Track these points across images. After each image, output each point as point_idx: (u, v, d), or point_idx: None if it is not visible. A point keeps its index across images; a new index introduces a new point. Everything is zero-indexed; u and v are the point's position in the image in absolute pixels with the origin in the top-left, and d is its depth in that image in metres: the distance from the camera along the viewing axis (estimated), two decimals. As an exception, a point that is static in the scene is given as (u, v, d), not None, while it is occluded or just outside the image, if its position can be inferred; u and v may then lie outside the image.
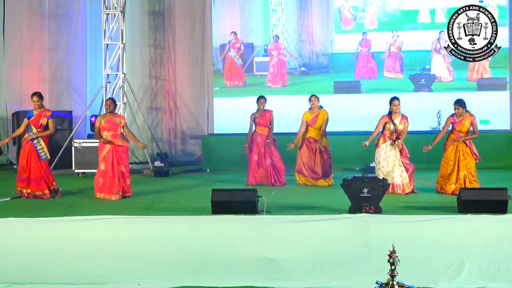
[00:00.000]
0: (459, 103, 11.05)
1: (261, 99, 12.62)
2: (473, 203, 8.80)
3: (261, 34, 16.98)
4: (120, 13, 15.34)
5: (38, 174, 11.05)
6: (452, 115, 11.12)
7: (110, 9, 15.41)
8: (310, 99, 12.48)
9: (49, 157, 11.20)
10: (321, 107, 12.46)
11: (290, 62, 16.82)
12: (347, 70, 16.58)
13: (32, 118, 11.08)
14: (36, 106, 11.07)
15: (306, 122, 12.35)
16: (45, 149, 11.12)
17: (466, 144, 10.96)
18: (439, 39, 15.87)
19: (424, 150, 11.15)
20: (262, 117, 12.50)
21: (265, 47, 16.78)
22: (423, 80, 16.10)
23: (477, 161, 11.00)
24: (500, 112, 15.47)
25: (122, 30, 15.40)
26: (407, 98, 15.38)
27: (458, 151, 10.95)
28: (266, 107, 12.61)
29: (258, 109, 12.58)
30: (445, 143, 11.16)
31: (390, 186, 10.95)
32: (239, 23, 17.02)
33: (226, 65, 16.88)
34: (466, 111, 11.02)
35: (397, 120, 11.19)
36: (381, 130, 11.32)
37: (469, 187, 10.60)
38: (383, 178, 9.14)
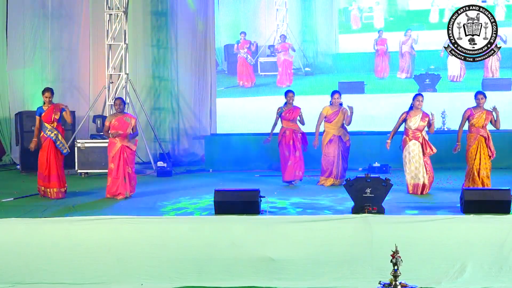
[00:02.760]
0: (483, 93, 10.98)
1: (289, 93, 12.48)
2: (476, 203, 8.78)
3: (265, 34, 16.99)
4: (122, 14, 15.35)
5: (56, 171, 11.07)
6: (469, 108, 11.00)
7: (112, 9, 15.42)
8: (333, 95, 12.35)
9: (69, 151, 11.27)
10: (341, 105, 12.40)
11: (294, 63, 16.82)
12: (351, 70, 16.57)
13: (43, 114, 11.07)
14: (47, 101, 11.05)
15: (325, 116, 12.29)
16: (65, 143, 11.18)
17: (485, 139, 10.88)
18: None
19: (454, 151, 11.08)
20: (289, 111, 12.38)
21: (273, 46, 16.78)
22: (427, 80, 16.09)
23: (491, 158, 10.93)
24: (505, 112, 15.41)
25: (125, 31, 15.41)
26: (411, 99, 15.40)
27: (479, 151, 10.88)
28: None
29: (286, 103, 12.46)
30: (466, 144, 11.02)
31: (414, 186, 10.95)
32: (243, 23, 17.02)
33: (238, 66, 16.89)
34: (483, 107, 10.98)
35: (417, 117, 11.09)
36: (403, 128, 11.22)
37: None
38: (386, 178, 9.10)
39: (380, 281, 5.65)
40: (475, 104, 11.00)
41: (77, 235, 8.37)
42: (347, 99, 12.50)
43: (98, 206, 10.25)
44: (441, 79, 16.04)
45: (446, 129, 15.11)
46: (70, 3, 17.08)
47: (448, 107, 15.06)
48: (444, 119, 15.20)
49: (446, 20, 16.05)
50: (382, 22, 16.48)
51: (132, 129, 11.21)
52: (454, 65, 15.99)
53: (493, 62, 15.71)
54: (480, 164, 10.85)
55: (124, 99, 14.87)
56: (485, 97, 10.96)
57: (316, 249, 8.07)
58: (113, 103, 11.63)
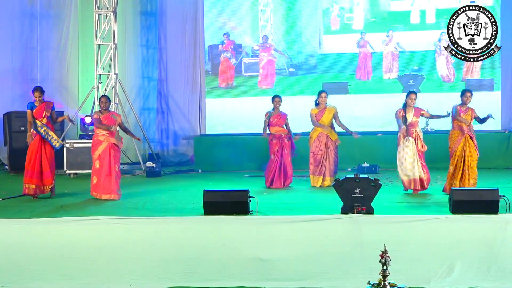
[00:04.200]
0: (471, 91, 11.03)
1: (276, 98, 12.43)
2: (464, 203, 8.80)
3: (249, 35, 17.00)
4: (112, 14, 15.33)
5: (49, 167, 11.05)
6: (457, 105, 11.00)
7: (102, 9, 15.39)
8: (320, 95, 12.28)
9: (62, 143, 11.17)
10: (326, 104, 12.38)
11: (278, 63, 16.84)
12: (335, 70, 16.64)
13: (35, 110, 11.04)
14: (38, 100, 11.05)
15: (314, 115, 12.23)
16: (55, 137, 11.12)
17: (471, 137, 10.92)
18: (440, 40, 15.95)
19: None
20: (277, 117, 12.35)
21: (254, 47, 16.82)
22: (411, 81, 16.17)
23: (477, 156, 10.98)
24: (488, 113, 15.48)
25: (114, 31, 15.39)
26: (395, 99, 15.48)
27: (465, 148, 10.91)
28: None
29: (274, 108, 12.43)
30: (450, 143, 11.05)
31: (410, 182, 10.96)
32: (228, 24, 17.03)
33: (221, 66, 16.89)
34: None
35: (411, 113, 11.10)
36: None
37: (469, 184, 10.65)
38: (375, 178, 9.10)
39: (369, 281, 5.66)
40: (460, 102, 11.04)
41: (67, 236, 8.34)
42: (331, 100, 12.50)
43: (87, 207, 10.22)
44: (424, 79, 16.11)
45: (429, 130, 15.14)
46: (59, 3, 17.05)
47: (431, 107, 15.06)
48: (427, 120, 15.23)
49: (428, 21, 16.20)
50: (362, 23, 16.54)
51: (120, 126, 11.20)
52: (443, 66, 16.08)
53: (472, 63, 15.80)
54: (466, 161, 10.87)
55: (111, 98, 14.94)
56: (472, 95, 11.01)
57: (306, 249, 8.09)
58: (98, 101, 11.59)
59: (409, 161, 11.01)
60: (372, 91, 16.34)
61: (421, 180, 11.06)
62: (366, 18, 16.60)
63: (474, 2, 15.37)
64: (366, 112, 16.02)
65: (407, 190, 11.15)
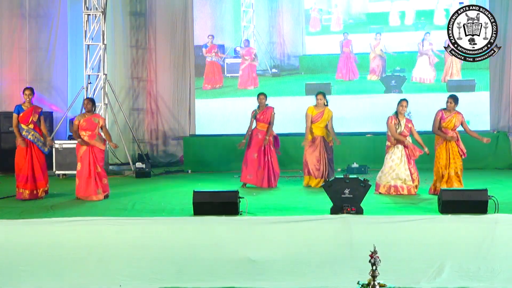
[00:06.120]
0: (453, 97, 11.07)
1: (261, 95, 12.46)
2: (453, 203, 8.83)
3: (232, 35, 17.02)
4: (101, 14, 15.30)
5: (41, 170, 11.06)
6: (441, 110, 11.08)
7: (91, 9, 15.37)
8: (316, 96, 12.28)
9: (49, 149, 11.24)
10: (325, 105, 12.39)
11: (261, 64, 16.85)
12: (318, 71, 16.68)
13: (21, 114, 11.00)
14: (27, 100, 10.99)
15: (311, 117, 12.26)
16: (44, 142, 11.15)
17: (455, 141, 10.95)
18: (423, 41, 16.00)
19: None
20: (263, 113, 12.36)
21: (236, 49, 16.82)
22: (393, 82, 16.22)
23: (463, 157, 10.99)
24: (470, 113, 15.50)
25: (103, 31, 15.37)
26: (377, 100, 15.56)
27: (448, 150, 10.95)
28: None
29: (259, 105, 12.45)
30: (434, 144, 11.11)
31: (393, 188, 10.97)
32: (210, 24, 17.04)
33: (207, 68, 16.89)
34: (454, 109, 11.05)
35: (402, 122, 11.09)
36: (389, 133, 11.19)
37: (456, 186, 10.67)
38: (364, 179, 9.11)
39: (358, 281, 5.68)
40: (445, 106, 11.10)
41: (56, 236, 8.31)
42: (315, 101, 12.46)
43: (76, 208, 10.19)
44: (406, 80, 16.17)
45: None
46: (47, 3, 16.99)
47: (413, 108, 15.11)
48: (409, 112, 15.23)
49: (407, 22, 16.28)
50: (340, 25, 16.57)
51: (101, 128, 11.17)
52: (423, 66, 16.14)
53: (453, 64, 15.88)
54: (449, 163, 10.92)
55: (100, 99, 14.90)
56: (454, 101, 11.01)
57: (296, 250, 8.09)
58: (82, 103, 11.59)
59: (393, 167, 11.02)
60: (355, 92, 16.40)
61: (396, 187, 11.06)
62: (344, 19, 16.65)
63: (462, 3, 15.40)
64: (350, 112, 16.06)
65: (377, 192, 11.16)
